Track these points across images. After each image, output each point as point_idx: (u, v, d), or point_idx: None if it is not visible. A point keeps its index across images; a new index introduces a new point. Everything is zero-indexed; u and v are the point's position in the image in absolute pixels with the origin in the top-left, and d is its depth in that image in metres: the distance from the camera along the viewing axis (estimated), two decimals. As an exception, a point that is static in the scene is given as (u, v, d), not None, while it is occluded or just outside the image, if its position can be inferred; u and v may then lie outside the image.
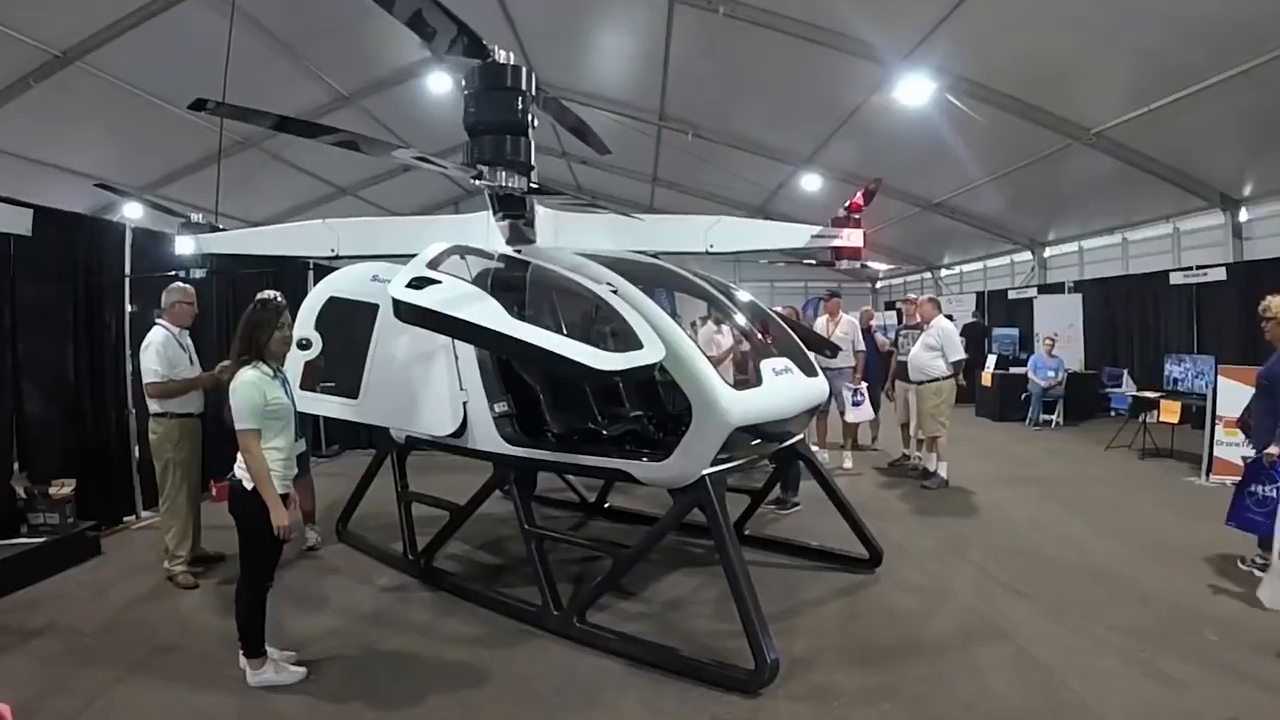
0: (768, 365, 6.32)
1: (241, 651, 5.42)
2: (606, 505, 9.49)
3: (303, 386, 7.00)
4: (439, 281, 4.99)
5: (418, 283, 4.89)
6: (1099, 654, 5.75)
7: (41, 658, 5.75)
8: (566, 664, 5.69)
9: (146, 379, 7.26)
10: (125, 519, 9.13)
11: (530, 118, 4.97)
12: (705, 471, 5.74)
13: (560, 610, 6.18)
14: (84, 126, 16.92)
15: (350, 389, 7.08)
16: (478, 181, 5.07)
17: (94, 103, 15.89)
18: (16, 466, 7.87)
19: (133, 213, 17.00)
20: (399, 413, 7.05)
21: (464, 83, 4.94)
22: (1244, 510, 6.91)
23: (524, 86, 4.83)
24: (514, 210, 5.87)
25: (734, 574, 5.49)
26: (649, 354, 4.99)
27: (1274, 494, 6.54)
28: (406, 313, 4.78)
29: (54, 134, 16.80)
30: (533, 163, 5.06)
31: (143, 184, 18.96)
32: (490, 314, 4.81)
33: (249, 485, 5.19)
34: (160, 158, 19.22)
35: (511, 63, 4.81)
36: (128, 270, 9.32)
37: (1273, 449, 6.72)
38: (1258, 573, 6.85)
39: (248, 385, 5.16)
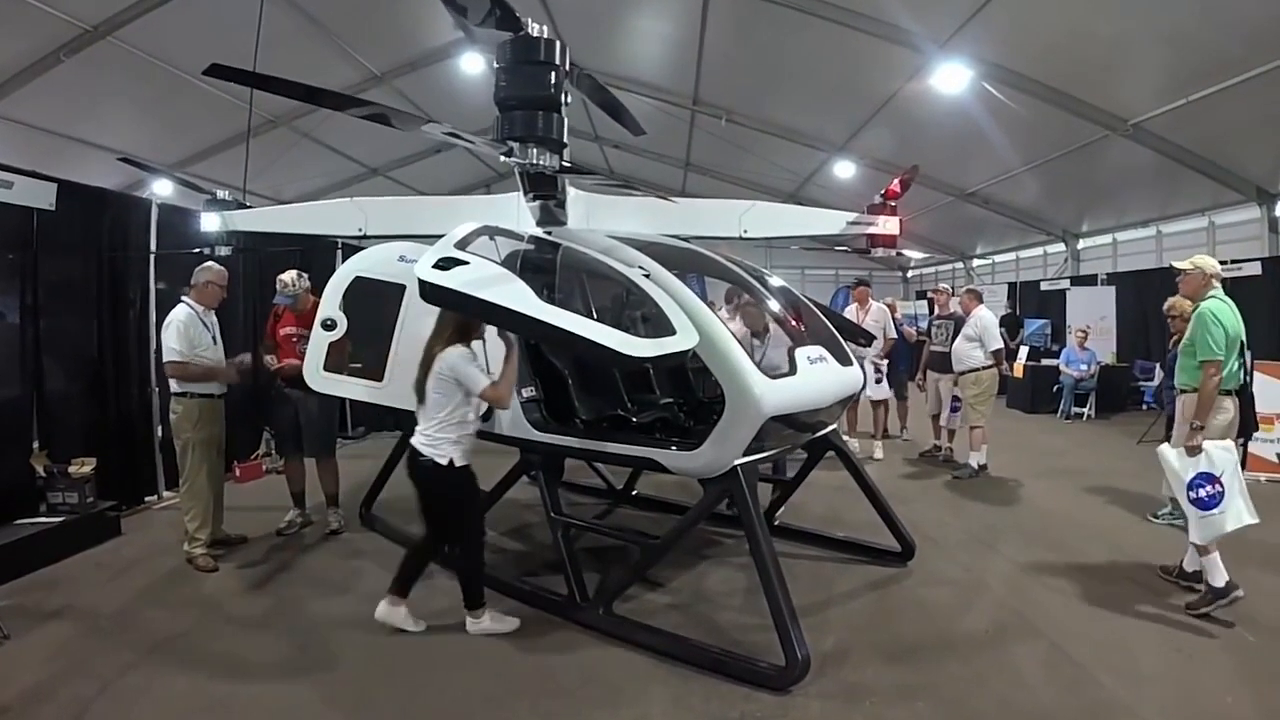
0: (802, 353, 6.14)
1: (464, 604, 5.88)
2: (634, 492, 9.30)
3: (326, 368, 6.90)
4: (466, 263, 4.85)
5: (445, 263, 4.75)
6: (1133, 651, 5.64)
7: (58, 640, 5.71)
8: (592, 656, 5.58)
9: (166, 358, 7.19)
10: (147, 498, 9.12)
11: (564, 94, 4.81)
12: (737, 462, 5.59)
13: (586, 601, 6.09)
14: (115, 102, 17.03)
15: (376, 371, 6.95)
16: (507, 159, 4.89)
17: (125, 78, 15.92)
18: (36, 445, 7.82)
19: (163, 190, 17.00)
20: None
21: (495, 56, 4.77)
22: None
23: (557, 61, 4.65)
24: (545, 190, 5.70)
25: (765, 568, 5.34)
26: (681, 340, 4.85)
27: None
28: (432, 294, 4.64)
29: (85, 110, 16.88)
30: (565, 140, 4.90)
31: (174, 161, 19.03)
32: (518, 296, 4.66)
33: (442, 461, 5.58)
34: (191, 135, 19.28)
35: (545, 36, 4.65)
36: (153, 247, 9.27)
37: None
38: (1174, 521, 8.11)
39: (461, 355, 5.56)
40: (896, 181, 6.60)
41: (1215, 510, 6.19)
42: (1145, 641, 5.79)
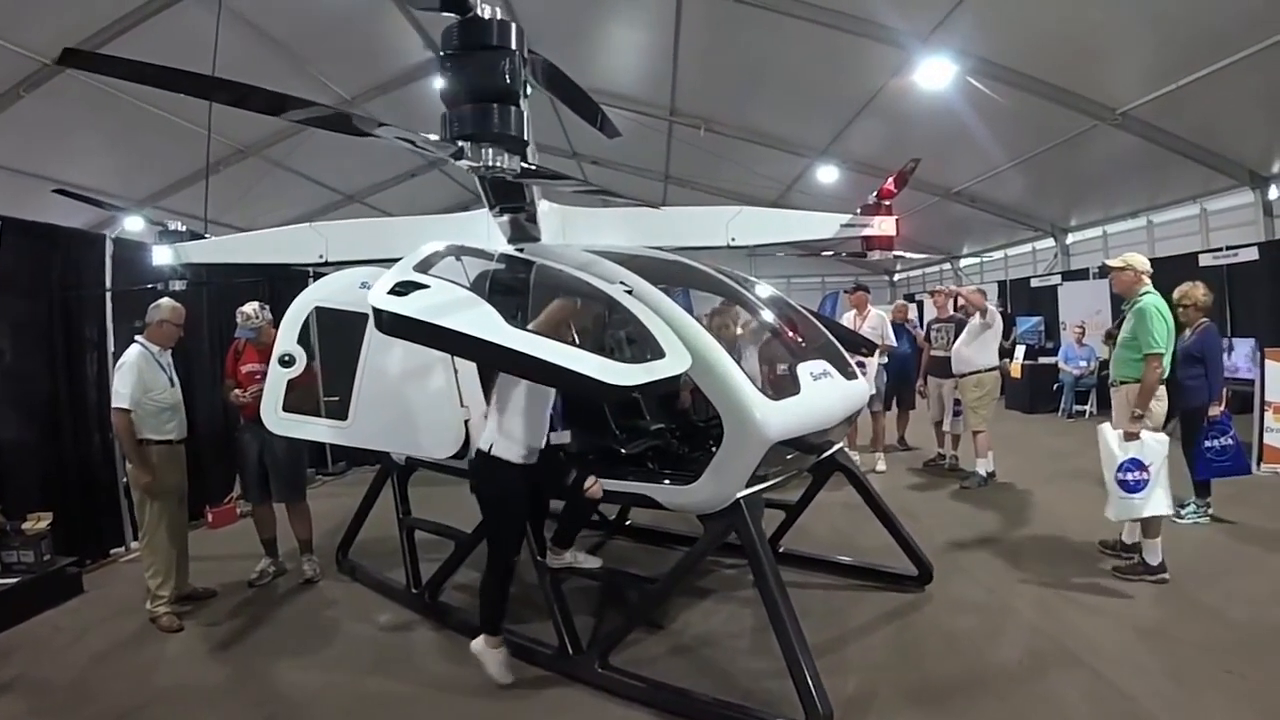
0: (804, 369, 5.66)
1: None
2: (628, 523, 8.86)
3: (286, 408, 6.37)
4: (427, 286, 4.34)
5: (402, 288, 4.23)
6: (1181, 677, 5.22)
7: (6, 718, 5.23)
8: (588, 715, 5.10)
9: (114, 403, 6.64)
10: (113, 551, 8.60)
11: (523, 84, 4.26)
12: (740, 494, 5.11)
13: (580, 653, 5.57)
14: (79, 137, 16.47)
15: (339, 409, 6.44)
16: (458, 161, 4.34)
17: (88, 112, 15.43)
18: (-13, 500, 7.33)
19: (135, 226, 16.54)
20: (393, 435, 6.42)
21: (440, 43, 4.24)
22: (1210, 464, 8.32)
23: (513, 45, 4.11)
24: (512, 201, 5.25)
25: (778, 611, 4.84)
26: (672, 364, 4.33)
27: (1230, 441, 8.24)
28: (388, 323, 4.10)
29: (48, 146, 16.35)
30: (528, 138, 4.35)
31: (145, 195, 18.71)
32: (484, 322, 4.13)
33: (484, 446, 5.32)
34: (160, 167, 18.72)
35: (499, 18, 4.10)
36: (108, 284, 8.79)
37: (1214, 409, 8.25)
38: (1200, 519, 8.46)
39: None
40: (891, 179, 6.31)
41: (1136, 495, 6.79)
42: (1192, 663, 5.40)
